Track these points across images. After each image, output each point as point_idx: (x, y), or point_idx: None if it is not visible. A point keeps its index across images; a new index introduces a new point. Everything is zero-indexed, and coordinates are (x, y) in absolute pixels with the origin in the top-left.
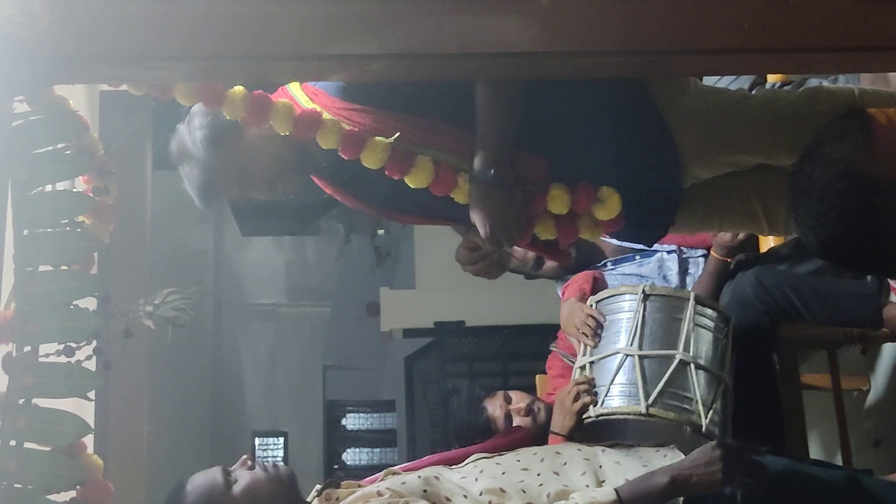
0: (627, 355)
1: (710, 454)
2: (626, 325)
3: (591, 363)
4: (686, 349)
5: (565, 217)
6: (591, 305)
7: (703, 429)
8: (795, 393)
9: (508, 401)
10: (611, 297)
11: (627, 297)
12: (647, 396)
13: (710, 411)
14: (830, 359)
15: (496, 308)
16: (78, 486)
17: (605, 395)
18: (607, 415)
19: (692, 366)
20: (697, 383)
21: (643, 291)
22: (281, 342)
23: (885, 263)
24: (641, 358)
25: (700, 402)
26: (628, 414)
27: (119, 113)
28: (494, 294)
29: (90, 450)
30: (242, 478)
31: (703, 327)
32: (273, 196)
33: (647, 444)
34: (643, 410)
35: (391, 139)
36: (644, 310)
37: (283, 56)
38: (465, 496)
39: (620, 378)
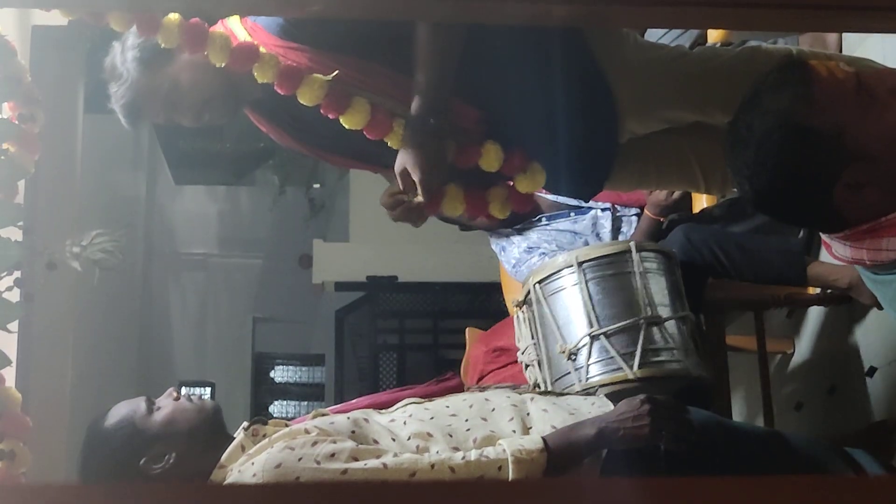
0: (594, 337)
1: (638, 409)
2: (580, 307)
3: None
4: (648, 308)
5: (475, 193)
6: (534, 286)
7: (692, 375)
8: (720, 354)
9: None
10: (551, 274)
11: (566, 270)
12: (629, 365)
13: (694, 355)
14: (757, 321)
15: (429, 264)
16: None
17: (587, 374)
18: (592, 386)
19: (659, 320)
20: (669, 335)
21: (576, 261)
22: (211, 292)
23: (819, 216)
24: (608, 335)
25: (681, 349)
26: (615, 383)
27: (51, 50)
28: (428, 250)
29: (10, 383)
30: (165, 406)
31: (652, 272)
32: (199, 124)
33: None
34: (631, 376)
35: (329, 77)
36: (586, 281)
37: None
38: (394, 439)
39: (595, 356)
